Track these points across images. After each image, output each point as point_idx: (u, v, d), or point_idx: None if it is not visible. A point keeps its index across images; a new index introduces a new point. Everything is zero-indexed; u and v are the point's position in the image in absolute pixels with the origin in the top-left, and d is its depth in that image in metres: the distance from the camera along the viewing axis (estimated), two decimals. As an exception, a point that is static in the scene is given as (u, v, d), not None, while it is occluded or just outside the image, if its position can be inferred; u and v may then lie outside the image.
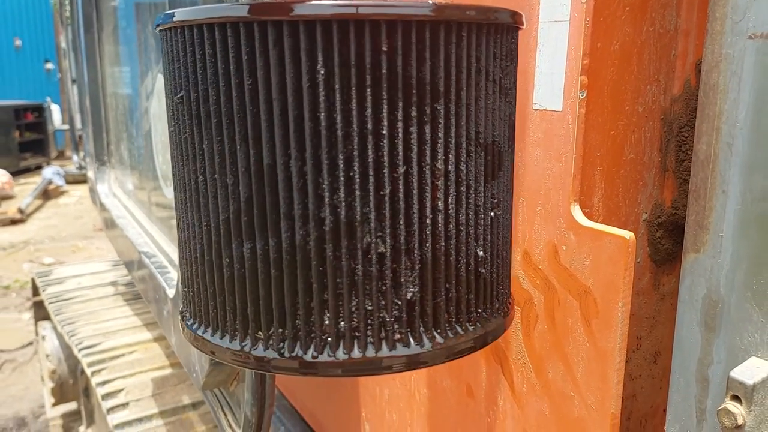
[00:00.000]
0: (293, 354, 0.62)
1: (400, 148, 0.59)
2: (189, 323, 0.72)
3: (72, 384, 3.31)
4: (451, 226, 0.64)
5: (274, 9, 0.56)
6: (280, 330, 0.63)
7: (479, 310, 0.69)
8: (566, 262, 0.83)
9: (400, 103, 0.59)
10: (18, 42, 15.00)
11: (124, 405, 2.37)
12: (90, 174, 3.17)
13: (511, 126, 0.73)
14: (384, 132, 0.59)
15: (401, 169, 0.60)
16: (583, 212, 0.82)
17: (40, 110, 13.01)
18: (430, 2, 0.58)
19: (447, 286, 0.65)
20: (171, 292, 1.71)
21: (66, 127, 10.50)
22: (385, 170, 0.59)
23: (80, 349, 2.70)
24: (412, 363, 0.63)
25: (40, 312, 3.65)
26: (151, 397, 2.42)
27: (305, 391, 1.75)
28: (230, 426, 1.51)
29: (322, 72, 0.57)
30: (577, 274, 0.81)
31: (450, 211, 0.63)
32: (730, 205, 0.70)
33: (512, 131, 0.73)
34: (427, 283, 0.63)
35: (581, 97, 0.78)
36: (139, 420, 2.29)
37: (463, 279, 0.66)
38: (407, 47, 0.58)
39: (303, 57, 0.57)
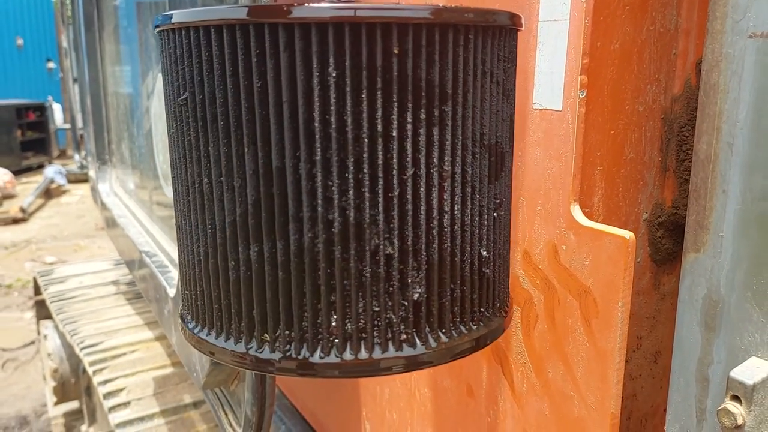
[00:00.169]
0: (300, 356, 0.62)
1: (409, 150, 0.60)
2: (190, 325, 0.72)
3: (74, 383, 3.32)
4: (456, 227, 0.64)
5: (286, 12, 0.56)
6: (287, 332, 0.63)
7: (482, 310, 0.69)
8: (566, 261, 0.83)
9: (410, 105, 0.59)
10: (20, 41, 15.01)
11: (126, 404, 2.38)
12: (91, 173, 3.17)
13: (512, 127, 0.73)
14: (394, 134, 0.59)
15: (410, 171, 0.60)
16: (584, 212, 0.82)
17: (41, 109, 13.02)
18: (434, 5, 0.59)
19: (452, 286, 0.65)
20: (172, 292, 1.71)
21: (68, 126, 10.52)
22: (395, 172, 0.59)
23: (82, 348, 2.71)
24: (417, 364, 0.63)
25: (42, 311, 3.66)
26: (153, 396, 2.43)
27: (306, 391, 1.75)
28: (231, 425, 1.51)
29: (334, 75, 0.57)
30: (577, 273, 0.81)
31: (456, 212, 0.64)
32: (731, 205, 0.70)
33: (512, 132, 0.74)
34: (433, 283, 0.63)
35: (581, 96, 0.78)
36: (141, 419, 2.30)
37: (467, 279, 0.66)
38: (417, 50, 0.58)
39: (314, 60, 0.57)
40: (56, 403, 3.41)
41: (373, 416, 1.36)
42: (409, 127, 0.59)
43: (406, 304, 0.62)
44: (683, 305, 0.77)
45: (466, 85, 0.62)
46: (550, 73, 0.81)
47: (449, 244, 0.64)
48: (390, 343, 0.62)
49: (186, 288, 0.73)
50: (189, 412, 2.37)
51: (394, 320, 0.62)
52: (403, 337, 0.62)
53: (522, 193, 0.88)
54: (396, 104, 0.58)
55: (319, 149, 0.58)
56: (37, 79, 15.26)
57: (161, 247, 2.11)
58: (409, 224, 0.61)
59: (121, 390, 2.44)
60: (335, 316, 0.61)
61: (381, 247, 0.60)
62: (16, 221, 8.88)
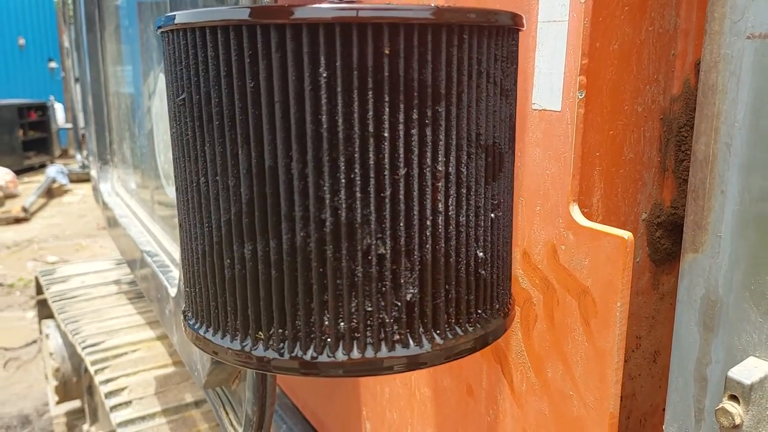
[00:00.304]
0: (293, 354, 0.62)
1: (401, 151, 0.60)
2: (191, 323, 0.73)
3: (76, 382, 3.32)
4: (451, 227, 0.64)
5: (277, 12, 0.57)
6: (281, 330, 0.63)
7: (479, 311, 0.69)
8: (565, 261, 0.83)
9: (402, 106, 0.59)
10: (22, 41, 15.04)
11: (127, 403, 2.38)
12: (93, 173, 3.18)
13: (512, 127, 0.73)
14: (385, 134, 0.59)
15: (402, 171, 0.60)
16: (583, 212, 0.82)
17: (43, 109, 13.04)
18: (432, 5, 0.59)
19: (447, 287, 0.65)
20: (173, 291, 1.71)
21: (69, 125, 10.54)
22: (386, 172, 0.59)
23: (84, 348, 2.71)
24: (412, 364, 0.63)
25: (44, 310, 3.67)
26: (154, 395, 2.43)
27: (307, 390, 1.75)
28: (232, 424, 1.52)
29: (324, 75, 0.57)
30: (576, 273, 0.82)
31: (450, 213, 0.64)
32: (729, 206, 0.70)
33: (513, 132, 0.73)
34: (427, 284, 0.63)
35: (580, 97, 0.78)
36: (142, 418, 2.30)
37: (462, 280, 0.66)
38: (409, 50, 0.58)
39: (305, 60, 0.57)
40: (58, 403, 3.42)
41: (374, 415, 1.37)
42: (401, 127, 0.59)
43: (399, 304, 0.62)
44: (682, 305, 0.77)
45: (460, 85, 0.62)
46: (549, 73, 0.81)
47: (443, 245, 0.63)
48: (383, 343, 0.62)
49: (187, 285, 0.73)
50: (190, 412, 2.38)
51: (387, 320, 0.62)
52: (396, 337, 0.62)
53: (521, 193, 0.88)
54: (387, 104, 0.58)
55: (310, 149, 0.58)
56: (39, 79, 15.28)
57: (162, 246, 2.11)
58: (402, 224, 0.61)
59: (122, 389, 2.45)
60: (328, 315, 0.61)
61: (373, 247, 0.60)
62: (18, 221, 8.90)
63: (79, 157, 8.03)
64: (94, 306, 3.17)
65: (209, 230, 0.66)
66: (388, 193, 0.60)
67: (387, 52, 0.57)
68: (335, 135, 0.58)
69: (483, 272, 0.69)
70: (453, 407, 1.09)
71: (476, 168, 0.65)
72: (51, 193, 10.42)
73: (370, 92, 0.58)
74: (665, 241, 0.93)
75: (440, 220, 0.63)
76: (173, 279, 1.80)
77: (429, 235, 0.62)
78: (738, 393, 0.67)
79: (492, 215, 0.69)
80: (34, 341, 5.19)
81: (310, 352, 0.62)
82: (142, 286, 2.28)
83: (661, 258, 0.95)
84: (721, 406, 0.67)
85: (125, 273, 3.51)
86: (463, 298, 0.67)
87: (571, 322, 0.83)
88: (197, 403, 2.40)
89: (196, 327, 0.71)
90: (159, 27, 0.67)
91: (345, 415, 1.51)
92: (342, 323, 0.62)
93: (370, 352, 0.62)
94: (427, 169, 0.61)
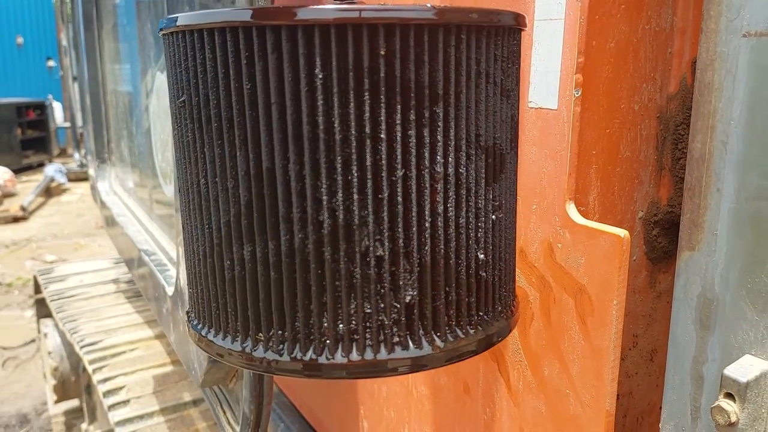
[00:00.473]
0: (293, 355, 0.62)
1: (399, 152, 0.59)
2: (194, 324, 0.73)
3: (74, 381, 3.32)
4: (450, 229, 0.63)
5: (271, 14, 0.56)
6: (280, 332, 0.63)
7: (481, 313, 0.68)
8: (561, 260, 0.83)
9: (398, 107, 0.59)
10: (20, 39, 15.01)
11: (126, 402, 2.38)
12: (91, 172, 3.17)
13: (514, 128, 0.72)
14: (382, 135, 0.59)
15: (399, 173, 0.60)
16: (579, 210, 0.82)
17: (42, 108, 13.03)
18: (430, 5, 0.58)
19: (447, 289, 0.64)
20: (170, 290, 1.71)
21: (68, 124, 10.52)
22: (384, 174, 0.59)
23: (82, 347, 2.71)
24: (412, 366, 0.63)
25: (42, 309, 3.66)
26: (152, 394, 2.43)
27: (304, 389, 1.75)
28: (229, 423, 1.52)
29: (320, 76, 0.57)
30: (572, 272, 0.82)
31: (449, 215, 0.63)
32: (725, 204, 0.70)
33: (515, 133, 0.72)
34: (426, 286, 0.63)
35: (576, 95, 0.78)
36: (140, 417, 2.30)
37: (463, 282, 0.65)
38: (405, 51, 0.58)
39: (301, 62, 0.57)
40: (56, 402, 3.42)
41: (371, 414, 1.37)
42: (398, 128, 0.59)
43: (399, 306, 0.62)
44: (678, 303, 0.77)
45: (458, 85, 0.61)
46: (545, 71, 0.81)
47: (443, 247, 0.63)
48: (382, 345, 0.62)
49: (190, 287, 0.74)
50: (188, 410, 2.38)
51: (386, 322, 0.62)
52: (396, 339, 0.62)
53: (518, 192, 0.88)
54: (384, 105, 0.58)
55: (307, 150, 0.58)
56: (37, 78, 15.26)
57: (160, 245, 2.11)
58: (400, 226, 0.60)
59: (120, 388, 2.45)
60: (327, 317, 0.61)
61: (371, 248, 0.60)
62: (16, 220, 8.89)
63: (77, 156, 8.02)
64: (93, 305, 3.17)
65: (210, 232, 0.66)
66: (385, 194, 0.60)
67: (382, 53, 0.57)
68: (332, 136, 0.58)
69: (484, 274, 0.68)
70: (450, 405, 1.09)
71: (476, 169, 0.65)
72: (49, 192, 10.42)
73: (367, 93, 0.57)
74: (662, 240, 0.94)
75: (439, 221, 0.62)
76: (170, 278, 1.80)
77: (428, 236, 0.62)
78: (734, 391, 0.67)
79: (493, 217, 0.68)
80: (33, 340, 5.19)
81: (310, 354, 0.62)
82: (140, 285, 2.28)
83: (657, 256, 0.95)
84: (716, 404, 0.67)
85: (123, 272, 3.51)
86: (463, 300, 0.66)
87: (568, 320, 0.83)
88: (195, 402, 2.40)
89: (198, 328, 0.71)
90: (161, 29, 0.68)
91: (342, 414, 1.51)
92: (341, 325, 0.61)
93: (369, 354, 0.62)
94: (425, 171, 0.61)
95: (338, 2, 0.61)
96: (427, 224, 0.62)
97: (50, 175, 10.53)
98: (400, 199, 0.60)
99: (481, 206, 0.66)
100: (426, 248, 0.62)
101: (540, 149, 0.83)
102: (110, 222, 2.75)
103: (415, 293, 0.62)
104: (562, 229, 0.82)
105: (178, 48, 0.64)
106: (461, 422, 1.07)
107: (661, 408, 0.82)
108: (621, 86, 0.84)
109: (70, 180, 10.98)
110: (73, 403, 3.57)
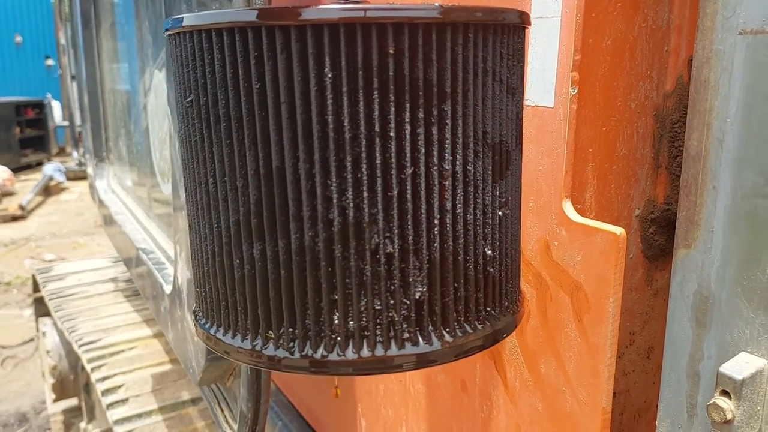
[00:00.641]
0: (303, 353, 0.63)
1: (408, 150, 0.60)
2: (201, 322, 0.73)
3: (73, 380, 3.32)
4: (459, 226, 0.64)
5: (281, 14, 0.57)
6: (291, 329, 0.63)
7: (488, 309, 0.69)
8: (558, 257, 0.83)
9: (407, 105, 0.59)
10: (18, 38, 15.00)
11: (124, 401, 2.38)
12: (89, 170, 3.17)
13: (519, 125, 0.72)
14: (391, 134, 0.59)
15: (409, 171, 0.60)
16: (576, 208, 0.82)
17: (40, 107, 13.01)
18: (437, 4, 0.58)
19: (455, 285, 0.65)
20: (168, 289, 1.71)
21: (66, 123, 10.53)
22: (393, 171, 0.59)
23: (80, 345, 2.71)
24: (422, 362, 0.64)
25: (41, 308, 3.66)
26: (151, 392, 2.43)
27: (302, 387, 1.75)
28: (227, 421, 1.52)
29: (330, 75, 0.57)
30: (569, 269, 0.82)
31: (458, 211, 0.64)
32: (721, 201, 0.70)
33: (520, 130, 0.73)
34: (436, 282, 0.63)
35: (573, 93, 0.78)
36: (139, 416, 2.30)
37: (471, 278, 0.66)
38: (414, 49, 0.58)
39: (311, 61, 0.57)
40: (55, 400, 3.42)
41: (369, 412, 1.37)
42: (407, 126, 0.59)
43: (408, 302, 0.62)
44: (674, 301, 0.77)
45: (466, 83, 0.61)
46: (542, 69, 0.81)
47: (451, 243, 0.63)
48: (393, 341, 0.62)
49: (198, 285, 0.74)
50: (187, 409, 2.38)
51: (396, 319, 0.62)
52: (406, 335, 0.63)
53: (514, 190, 0.88)
54: (393, 104, 0.58)
55: (317, 149, 0.58)
56: (35, 77, 15.24)
57: (158, 244, 2.11)
58: (410, 223, 0.61)
59: (119, 387, 2.45)
60: (337, 314, 0.61)
61: (381, 245, 0.60)
62: (15, 219, 8.88)
63: (75, 154, 8.01)
64: (91, 304, 3.17)
65: (218, 231, 0.66)
66: (395, 192, 0.60)
67: (392, 52, 0.57)
68: (341, 135, 0.58)
69: (492, 270, 0.68)
70: (447, 403, 1.09)
71: (483, 166, 0.65)
72: (48, 191, 10.41)
73: (376, 92, 0.58)
74: (659, 237, 0.94)
75: (448, 218, 0.63)
76: (168, 276, 1.80)
77: (437, 233, 0.62)
78: (729, 388, 0.67)
79: (500, 213, 0.69)
80: (31, 339, 5.19)
81: (320, 351, 0.62)
82: (138, 284, 2.28)
83: (654, 254, 0.95)
84: (712, 401, 0.68)
85: (122, 271, 3.51)
86: (472, 295, 0.67)
87: (564, 317, 0.84)
88: (194, 401, 2.41)
89: (206, 327, 0.72)
90: (166, 30, 0.68)
91: (340, 412, 1.51)
92: (351, 322, 0.62)
93: (380, 351, 0.62)
94: (434, 168, 0.61)
95: (342, 2, 0.61)
96: (436, 221, 0.62)
97: (49, 173, 10.52)
98: (409, 196, 0.60)
99: (489, 203, 0.67)
100: (435, 245, 0.62)
101: (536, 147, 0.84)
102: (108, 221, 2.74)
103: (424, 289, 0.63)
104: (559, 227, 0.82)
105: (184, 48, 0.65)
106: (458, 420, 1.07)
107: (657, 405, 0.82)
108: (617, 84, 0.84)
109: (69, 179, 10.98)
110: (72, 401, 3.57)
